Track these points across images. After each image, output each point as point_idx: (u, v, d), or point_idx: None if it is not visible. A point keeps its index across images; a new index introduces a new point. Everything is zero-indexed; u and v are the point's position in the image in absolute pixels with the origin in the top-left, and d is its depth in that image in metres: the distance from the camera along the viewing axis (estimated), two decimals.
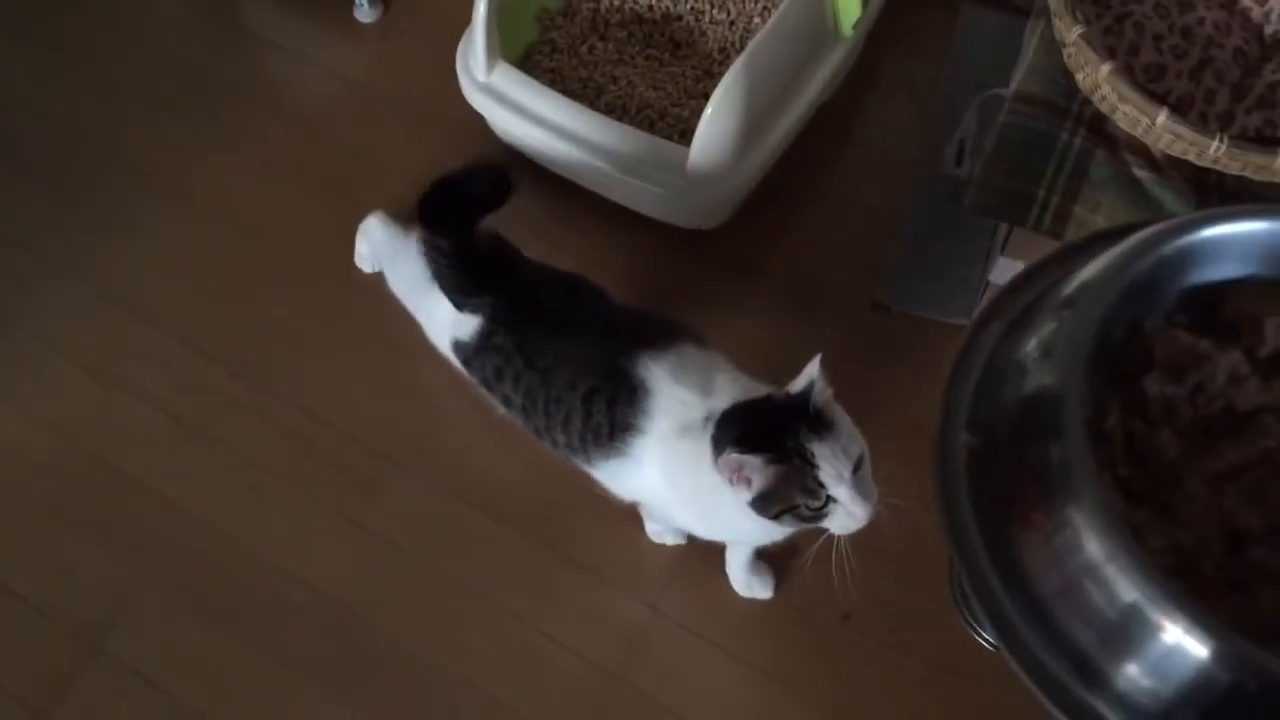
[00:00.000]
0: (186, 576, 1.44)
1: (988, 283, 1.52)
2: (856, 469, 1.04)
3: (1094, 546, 0.54)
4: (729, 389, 1.17)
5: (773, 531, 1.17)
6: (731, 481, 1.04)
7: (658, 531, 1.41)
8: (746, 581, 1.39)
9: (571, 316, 1.29)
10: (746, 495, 1.05)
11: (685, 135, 1.57)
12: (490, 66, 1.64)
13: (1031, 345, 0.71)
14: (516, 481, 1.49)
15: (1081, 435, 0.56)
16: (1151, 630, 0.52)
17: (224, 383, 1.57)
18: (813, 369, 1.05)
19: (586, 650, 1.39)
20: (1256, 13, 1.37)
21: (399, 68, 1.86)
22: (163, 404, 1.55)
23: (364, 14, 1.90)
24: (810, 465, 1.02)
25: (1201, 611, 0.51)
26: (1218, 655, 0.53)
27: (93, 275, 1.66)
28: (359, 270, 1.64)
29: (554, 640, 1.39)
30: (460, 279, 1.30)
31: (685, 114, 1.66)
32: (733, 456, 1.02)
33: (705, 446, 1.10)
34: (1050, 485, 0.57)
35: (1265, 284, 0.66)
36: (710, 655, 1.39)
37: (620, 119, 1.62)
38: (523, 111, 1.62)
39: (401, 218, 1.56)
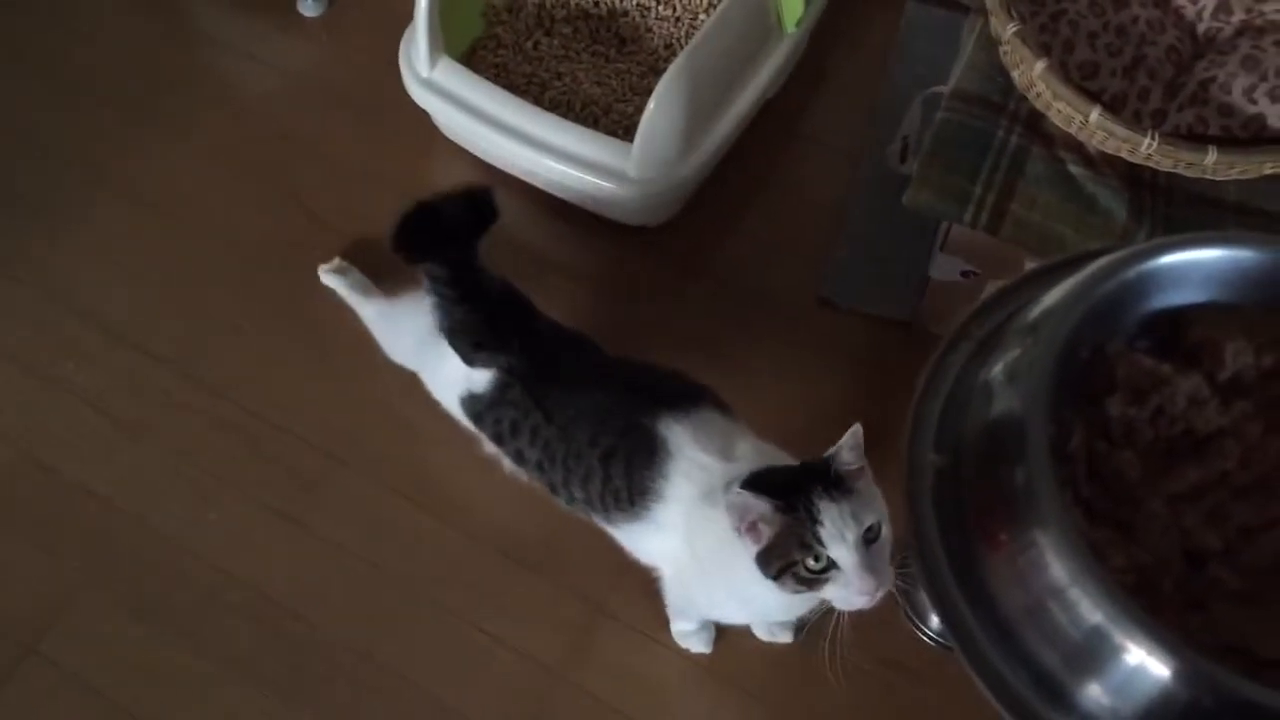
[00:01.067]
0: (124, 576, 1.42)
1: (929, 279, 1.53)
2: (870, 543, 0.97)
3: (1059, 569, 0.55)
4: (751, 455, 1.13)
5: (792, 608, 1.13)
6: (740, 531, 1.00)
7: (683, 633, 1.36)
8: (768, 629, 1.37)
9: (590, 371, 1.26)
10: (754, 548, 1.01)
11: (630, 131, 1.57)
12: (433, 61, 1.63)
13: (998, 369, 0.73)
14: (462, 481, 1.48)
15: (1045, 462, 0.57)
16: (1115, 651, 0.54)
17: (163, 379, 1.55)
18: (850, 437, 1.00)
19: (531, 649, 1.38)
20: (1189, 10, 1.39)
21: (343, 62, 1.85)
22: (100, 402, 1.53)
23: (308, 8, 1.88)
24: (814, 520, 0.97)
25: (1165, 634, 0.51)
26: (1179, 675, 0.53)
27: (29, 271, 1.63)
28: (303, 267, 1.63)
29: (497, 640, 1.39)
30: (472, 322, 1.25)
31: (630, 110, 1.66)
32: (738, 495, 0.98)
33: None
34: (1016, 507, 0.59)
35: (1225, 309, 0.67)
36: (656, 654, 1.39)
37: (565, 115, 1.62)
38: (466, 107, 1.61)
39: (360, 247, 1.54)
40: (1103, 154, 1.31)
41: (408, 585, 1.42)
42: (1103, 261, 0.65)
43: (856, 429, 1.00)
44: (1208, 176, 1.26)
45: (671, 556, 1.20)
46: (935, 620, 0.96)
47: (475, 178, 1.72)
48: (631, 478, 1.14)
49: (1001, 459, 0.66)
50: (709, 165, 1.64)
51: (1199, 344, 0.61)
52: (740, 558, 1.03)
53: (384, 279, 1.56)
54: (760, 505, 0.99)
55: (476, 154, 1.72)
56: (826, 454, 1.02)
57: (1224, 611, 0.51)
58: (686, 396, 1.19)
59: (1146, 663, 0.52)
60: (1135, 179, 1.32)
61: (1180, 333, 0.62)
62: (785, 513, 0.98)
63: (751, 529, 1.00)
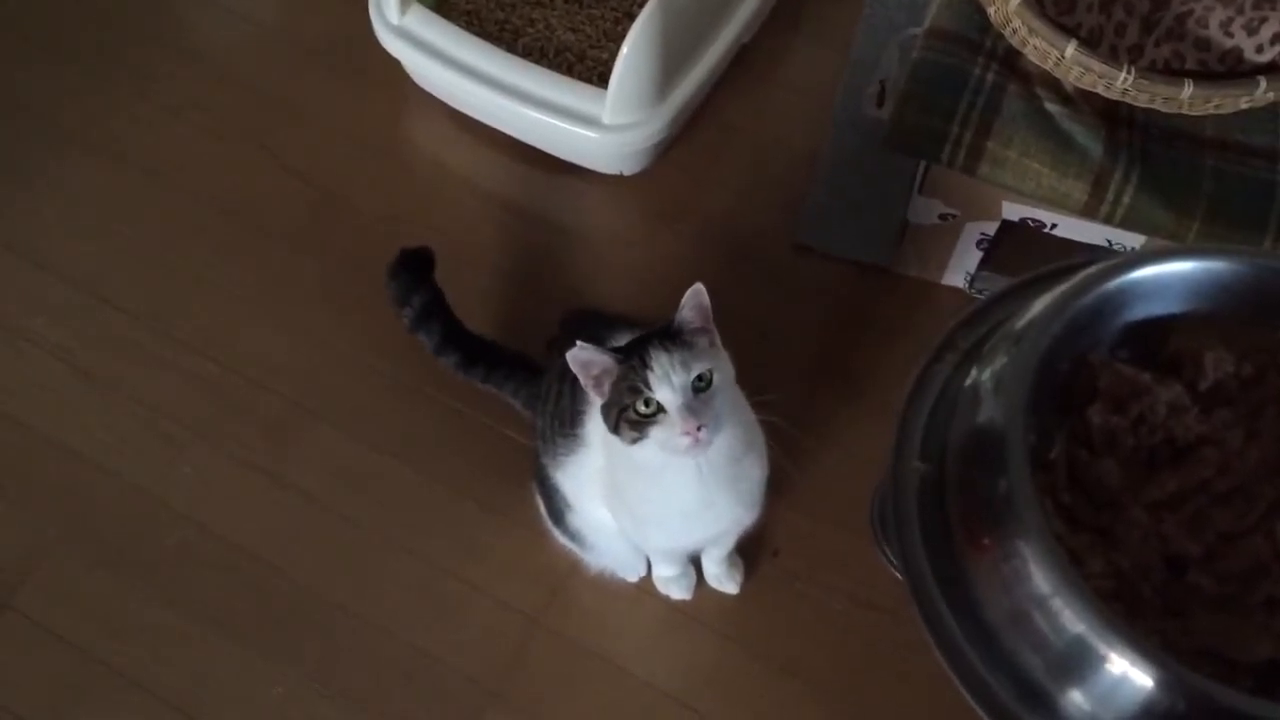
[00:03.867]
0: (96, 530, 1.40)
1: (907, 223, 1.51)
2: (699, 391, 1.01)
3: (1040, 579, 0.55)
4: None
5: (692, 526, 1.17)
6: (588, 387, 1.04)
7: (663, 580, 1.38)
8: (717, 575, 1.38)
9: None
10: (599, 402, 1.05)
11: (604, 78, 1.55)
12: (404, 8, 1.60)
13: (985, 376, 0.72)
14: (436, 432, 1.47)
15: (1025, 473, 0.58)
16: (1098, 661, 0.53)
17: (132, 333, 1.53)
18: (690, 295, 1.03)
19: (508, 597, 1.38)
20: None
21: (313, 11, 1.82)
22: (69, 356, 1.51)
23: None
24: (644, 366, 1.00)
25: (1147, 645, 0.52)
26: (1162, 684, 0.54)
27: None
28: (274, 220, 1.61)
29: (475, 588, 1.38)
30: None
31: (604, 56, 1.64)
32: (581, 349, 1.01)
33: None
34: (999, 516, 0.59)
35: (1203, 319, 0.67)
36: (635, 597, 1.38)
37: (538, 62, 1.59)
38: (438, 55, 1.59)
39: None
40: (1079, 90, 1.30)
41: (384, 535, 1.41)
42: (1084, 274, 0.66)
43: (697, 287, 1.02)
44: (1184, 112, 1.24)
45: (599, 478, 1.19)
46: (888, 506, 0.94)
47: (449, 128, 1.70)
48: (574, 396, 1.18)
49: (984, 467, 0.66)
50: (684, 112, 1.62)
51: (1179, 354, 0.62)
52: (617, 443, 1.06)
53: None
54: (600, 358, 1.02)
55: (450, 103, 1.69)
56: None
57: (1201, 617, 0.51)
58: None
59: (1130, 673, 0.53)
60: (1112, 115, 1.30)
61: (1161, 343, 0.63)
62: (621, 363, 1.02)
63: (596, 384, 1.03)
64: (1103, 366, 0.60)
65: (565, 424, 1.20)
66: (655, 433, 1.02)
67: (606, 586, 1.38)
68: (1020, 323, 0.71)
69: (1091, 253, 1.39)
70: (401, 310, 1.32)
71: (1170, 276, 0.64)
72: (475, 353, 1.34)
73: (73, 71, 1.75)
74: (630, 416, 1.02)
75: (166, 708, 1.30)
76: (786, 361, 1.52)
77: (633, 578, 1.38)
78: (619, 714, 1.32)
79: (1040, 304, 0.67)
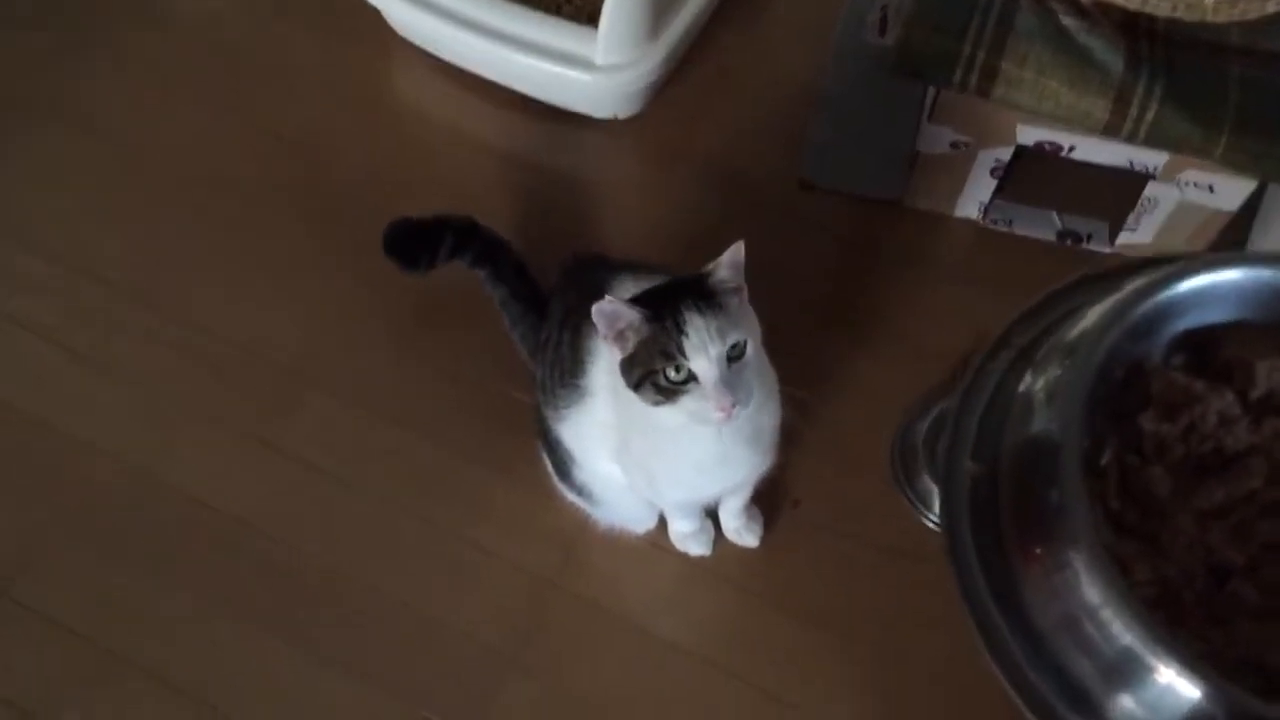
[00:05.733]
0: (93, 514, 1.36)
1: (918, 154, 1.45)
2: (734, 360, 0.97)
3: (1092, 591, 0.55)
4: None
5: (707, 479, 1.13)
6: (608, 339, 0.99)
7: (681, 536, 1.32)
8: (736, 529, 1.33)
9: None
10: (618, 355, 1.00)
11: (594, 18, 1.48)
12: None
13: (1039, 386, 0.71)
14: (436, 394, 1.42)
15: (1080, 488, 0.59)
16: (1145, 671, 0.54)
17: (120, 309, 1.47)
18: (730, 254, 0.98)
19: (523, 560, 1.33)
20: None
21: None
22: (55, 335, 1.46)
23: None
24: (679, 331, 0.95)
25: (1191, 657, 0.53)
26: (1209, 697, 0.56)
27: None
28: (259, 186, 1.55)
29: (488, 552, 1.34)
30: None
31: None
32: (609, 303, 0.96)
33: None
34: (1050, 526, 0.61)
35: (1258, 329, 0.67)
36: (651, 555, 1.34)
37: (525, 3, 1.53)
38: (420, 1, 1.52)
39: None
40: (1097, 2, 1.23)
41: (390, 504, 1.36)
42: (1134, 286, 0.66)
43: (738, 246, 0.98)
44: (1208, 19, 1.18)
45: (610, 431, 1.14)
46: (939, 505, 0.95)
47: (435, 80, 1.64)
48: (576, 345, 1.13)
49: (1038, 476, 0.67)
50: (678, 49, 1.55)
51: (1231, 362, 0.62)
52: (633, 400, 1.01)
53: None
54: (629, 313, 0.97)
55: (434, 52, 1.63)
56: (704, 269, 1.00)
57: (1244, 626, 0.52)
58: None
59: (1175, 684, 0.55)
60: (1132, 28, 1.24)
61: (1213, 351, 0.62)
62: (652, 322, 0.97)
63: (619, 337, 0.99)
64: (1156, 373, 0.62)
65: (566, 374, 1.15)
66: (686, 402, 0.98)
67: (620, 543, 1.34)
68: (1074, 333, 0.71)
69: (1114, 174, 1.34)
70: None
71: (1222, 286, 0.67)
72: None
73: (41, 42, 1.68)
74: (659, 382, 0.97)
75: (178, 695, 1.26)
76: (795, 303, 1.46)
77: (642, 530, 1.33)
78: (640, 674, 1.28)
79: (1094, 314, 0.67)
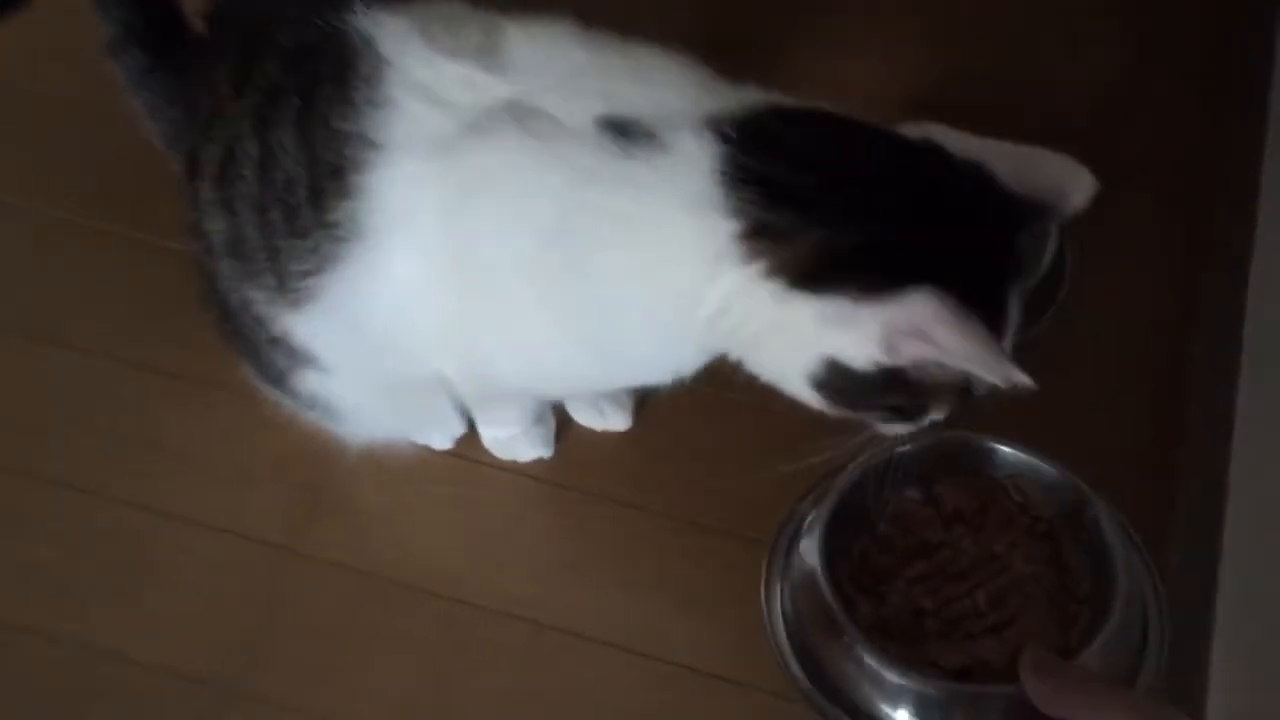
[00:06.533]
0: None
1: None
2: None
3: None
4: (536, 54, 0.68)
5: (667, 356, 0.77)
6: (883, 346, 0.65)
7: (501, 441, 0.97)
8: (600, 409, 0.99)
9: None
10: (876, 352, 0.66)
11: None
12: None
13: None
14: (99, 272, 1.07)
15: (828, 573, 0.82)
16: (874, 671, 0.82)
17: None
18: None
19: (238, 524, 0.96)
20: None
21: None
22: None
23: None
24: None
25: (895, 659, 0.80)
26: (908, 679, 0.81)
27: None
28: None
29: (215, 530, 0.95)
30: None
31: None
32: (935, 303, 0.61)
33: (527, 147, 0.65)
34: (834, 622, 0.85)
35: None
36: (453, 474, 0.99)
37: None
38: None
39: None
40: None
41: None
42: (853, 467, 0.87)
43: None
44: None
45: (425, 301, 0.72)
46: None
47: None
48: (314, 139, 0.67)
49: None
50: None
51: (938, 493, 0.93)
52: (592, 240, 0.65)
53: None
54: (968, 326, 0.62)
55: None
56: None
57: (931, 644, 0.85)
58: None
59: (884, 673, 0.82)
60: None
61: (929, 485, 0.92)
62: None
63: (915, 338, 0.65)
64: (892, 500, 0.91)
65: (303, 209, 0.70)
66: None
67: (389, 469, 0.94)
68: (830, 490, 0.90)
69: None
70: None
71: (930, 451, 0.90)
72: None
73: None
74: (904, 410, 0.73)
75: None
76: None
77: (447, 443, 0.97)
78: (456, 678, 0.91)
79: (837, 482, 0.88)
